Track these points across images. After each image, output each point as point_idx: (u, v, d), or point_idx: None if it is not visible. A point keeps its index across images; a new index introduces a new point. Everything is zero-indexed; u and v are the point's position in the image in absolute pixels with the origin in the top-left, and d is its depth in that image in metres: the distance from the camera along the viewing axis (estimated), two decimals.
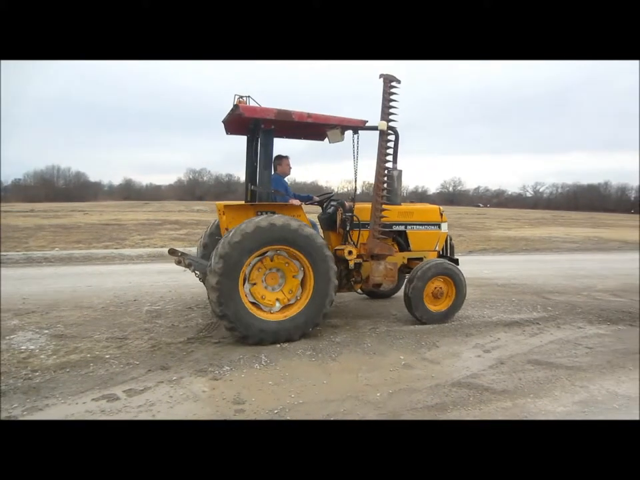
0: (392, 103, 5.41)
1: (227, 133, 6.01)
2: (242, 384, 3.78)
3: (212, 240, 6.12)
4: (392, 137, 5.55)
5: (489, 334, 5.33)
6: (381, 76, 5.39)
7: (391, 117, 5.42)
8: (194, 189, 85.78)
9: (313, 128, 5.49)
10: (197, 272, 5.45)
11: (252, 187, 5.55)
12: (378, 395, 3.63)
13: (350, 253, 5.39)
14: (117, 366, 4.11)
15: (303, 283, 5.07)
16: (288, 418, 3.21)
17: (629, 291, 8.23)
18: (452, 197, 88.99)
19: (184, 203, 55.98)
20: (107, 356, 4.35)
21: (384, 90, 5.38)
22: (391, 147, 5.54)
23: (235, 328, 4.63)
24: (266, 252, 4.83)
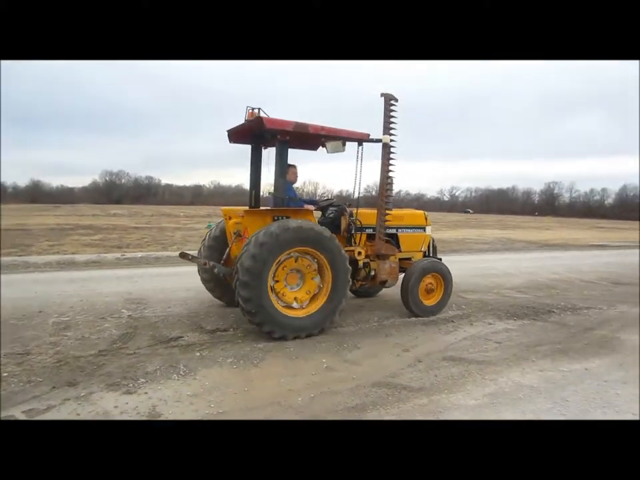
0: (392, 119, 5.89)
1: (230, 142, 6.25)
2: (158, 397, 3.60)
3: (217, 243, 6.37)
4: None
5: (408, 333, 5.52)
6: (382, 95, 5.83)
7: (391, 132, 5.90)
8: (111, 192, 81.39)
9: (316, 139, 5.85)
10: (219, 272, 5.72)
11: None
12: (300, 399, 3.61)
13: (359, 253, 5.95)
14: (17, 384, 3.75)
15: (320, 284, 5.45)
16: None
17: (532, 288, 8.94)
18: (375, 200, 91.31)
19: (99, 207, 52.86)
20: (5, 374, 3.95)
21: (385, 107, 5.84)
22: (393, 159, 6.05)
23: (253, 315, 4.91)
24: (292, 252, 5.18)
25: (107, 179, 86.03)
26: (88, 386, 3.75)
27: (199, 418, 3.25)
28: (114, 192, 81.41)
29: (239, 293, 4.89)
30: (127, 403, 3.46)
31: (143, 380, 3.90)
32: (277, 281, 5.22)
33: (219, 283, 6.35)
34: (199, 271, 6.58)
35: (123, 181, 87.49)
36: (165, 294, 7.32)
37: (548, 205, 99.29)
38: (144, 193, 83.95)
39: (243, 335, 5.23)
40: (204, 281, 6.58)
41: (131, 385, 3.80)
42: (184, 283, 8.21)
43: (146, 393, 3.66)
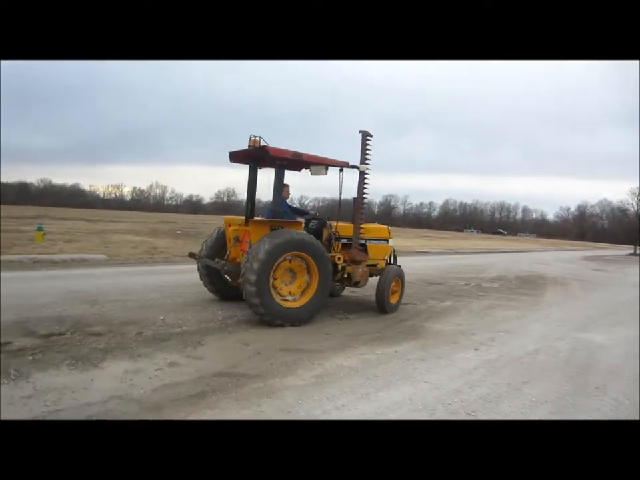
0: (368, 152, 7.12)
1: (231, 161, 7.32)
2: None
3: (217, 245, 7.52)
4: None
5: (250, 330, 5.95)
6: (360, 132, 7.08)
7: (366, 162, 7.17)
8: None
9: (304, 163, 7.07)
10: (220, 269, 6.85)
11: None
12: (142, 391, 3.78)
13: (339, 258, 7.23)
14: None
15: (309, 280, 6.67)
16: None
17: (363, 288, 10.09)
18: (226, 207, 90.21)
19: None
20: None
21: (362, 141, 7.07)
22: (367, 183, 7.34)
23: (257, 307, 6.00)
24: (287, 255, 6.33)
25: None
26: None
27: (34, 416, 3.23)
28: None
29: (246, 289, 5.95)
30: None
31: None
32: (276, 279, 6.34)
33: (215, 279, 7.47)
34: (198, 268, 7.69)
35: None
36: None
37: (386, 215, 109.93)
38: None
39: (82, 337, 5.10)
40: (202, 275, 7.68)
41: None
42: (9, 289, 7.49)
43: None
